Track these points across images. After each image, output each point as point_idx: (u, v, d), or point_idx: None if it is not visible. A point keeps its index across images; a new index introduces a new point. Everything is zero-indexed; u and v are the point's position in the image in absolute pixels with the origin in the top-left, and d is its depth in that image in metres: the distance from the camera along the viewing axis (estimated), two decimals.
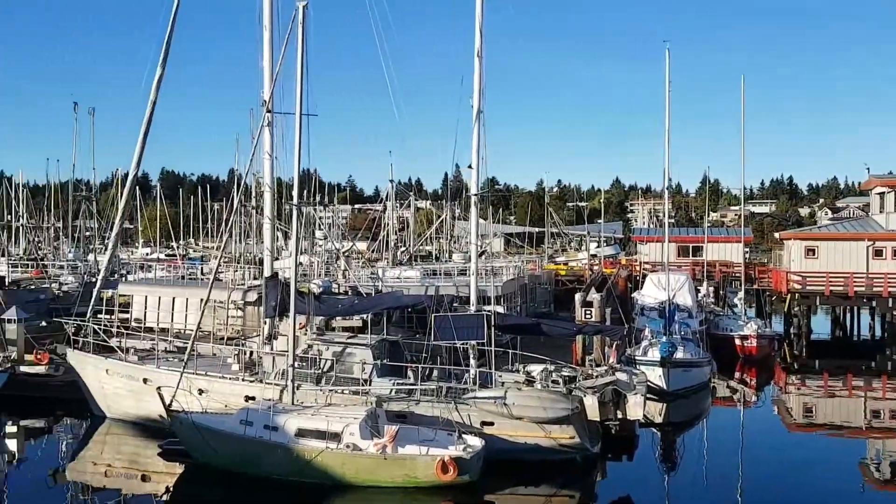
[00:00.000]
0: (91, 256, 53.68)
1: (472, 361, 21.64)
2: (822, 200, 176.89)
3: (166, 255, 67.75)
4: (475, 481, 18.25)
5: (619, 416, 21.00)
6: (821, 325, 49.80)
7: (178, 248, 70.77)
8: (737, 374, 35.21)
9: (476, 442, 18.95)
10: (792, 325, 45.08)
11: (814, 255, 45.32)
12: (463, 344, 21.34)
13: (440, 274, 38.14)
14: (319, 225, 60.50)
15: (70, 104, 54.88)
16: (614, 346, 24.02)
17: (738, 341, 37.07)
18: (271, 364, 22.88)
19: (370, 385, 21.32)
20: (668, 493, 20.27)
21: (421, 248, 66.12)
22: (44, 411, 26.69)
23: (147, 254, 70.77)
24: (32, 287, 39.51)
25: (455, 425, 19.32)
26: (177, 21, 25.33)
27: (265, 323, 24.77)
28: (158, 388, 21.38)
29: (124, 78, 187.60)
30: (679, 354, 29.17)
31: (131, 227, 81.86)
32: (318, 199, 61.18)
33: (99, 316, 27.38)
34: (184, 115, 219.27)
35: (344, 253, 46.80)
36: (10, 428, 25.54)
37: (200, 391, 21.98)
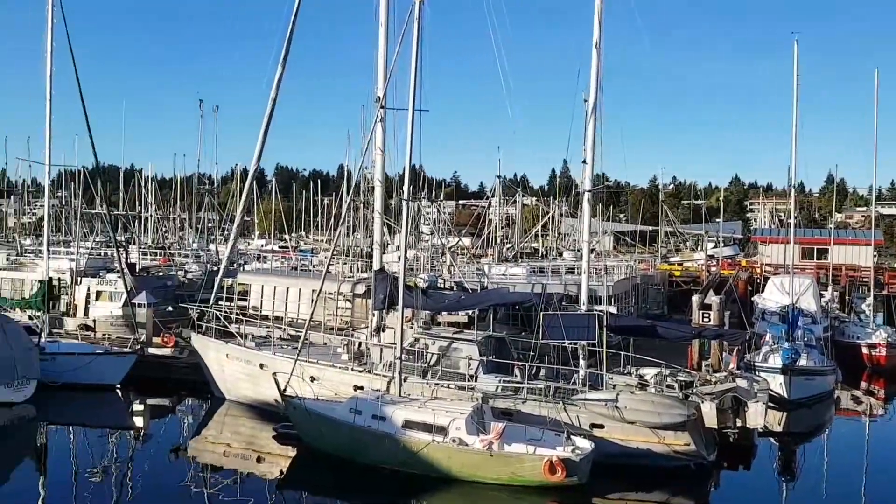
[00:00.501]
0: (212, 246, 56.48)
1: (581, 362, 21.21)
2: None
3: (279, 247, 70.35)
4: (583, 484, 17.89)
5: (739, 424, 20.27)
6: None
7: (290, 240, 73.35)
8: (863, 385, 33.39)
9: (585, 444, 18.57)
10: None
11: None
12: (572, 344, 20.92)
13: (548, 272, 37.58)
14: (425, 220, 61.11)
15: (196, 102, 57.56)
16: (735, 351, 23.00)
17: (865, 349, 35.02)
18: (379, 355, 23.27)
19: (476, 381, 21.28)
20: None
21: (527, 245, 65.56)
22: (168, 391, 28.28)
23: (262, 245, 73.76)
24: (160, 274, 41.81)
25: (563, 426, 18.99)
26: (297, 21, 26.11)
27: (373, 315, 25.21)
28: (274, 373, 22.21)
29: (245, 76, 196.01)
30: (802, 362, 27.87)
31: (248, 219, 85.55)
32: (423, 194, 61.81)
33: (220, 303, 28.73)
34: (295, 111, 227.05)
35: (450, 248, 46.99)
36: (138, 406, 27.26)
37: (312, 378, 22.66)
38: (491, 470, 18.05)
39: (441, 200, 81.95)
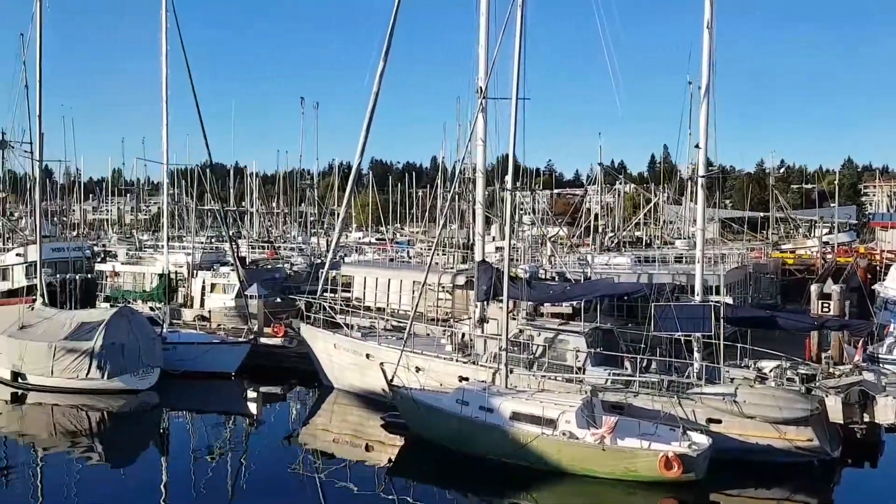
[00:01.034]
0: (314, 239, 57.99)
1: (696, 355, 20.45)
2: None
3: (377, 239, 71.53)
4: (700, 480, 17.29)
5: (866, 419, 19.08)
6: None
7: (386, 232, 74.45)
8: None
9: (702, 439, 17.95)
10: None
11: None
12: (686, 336, 20.18)
13: (656, 261, 36.43)
14: (526, 210, 60.59)
15: (297, 100, 59.13)
16: (861, 343, 21.66)
17: None
18: (483, 347, 23.21)
19: (584, 373, 20.89)
20: None
21: (629, 233, 63.88)
22: (279, 379, 29.18)
23: (359, 238, 75.20)
24: (269, 267, 43.32)
25: (679, 421, 18.40)
26: (399, 14, 26.31)
27: (476, 306, 25.16)
28: (381, 363, 22.55)
29: (343, 74, 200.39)
30: None
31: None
32: (520, 183, 61.20)
33: (326, 294, 29.42)
34: (388, 105, 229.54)
35: (550, 238, 46.37)
36: (251, 393, 28.31)
37: (417, 369, 22.86)
38: (603, 464, 17.69)
39: (538, 189, 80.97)
